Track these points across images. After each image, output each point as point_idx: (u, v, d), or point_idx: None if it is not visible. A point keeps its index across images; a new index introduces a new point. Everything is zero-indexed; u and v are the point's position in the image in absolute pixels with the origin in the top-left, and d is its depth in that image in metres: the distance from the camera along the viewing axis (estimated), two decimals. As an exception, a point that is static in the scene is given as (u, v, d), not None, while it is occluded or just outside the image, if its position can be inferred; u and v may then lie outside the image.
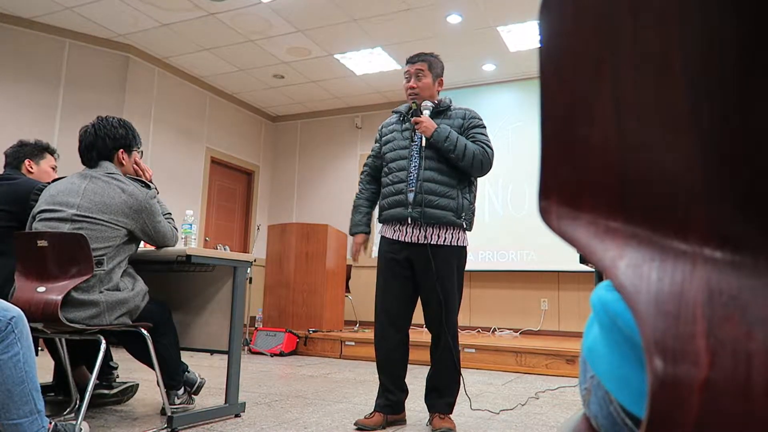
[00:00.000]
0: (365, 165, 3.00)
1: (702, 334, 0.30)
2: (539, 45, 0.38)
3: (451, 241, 2.69)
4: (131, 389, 3.10)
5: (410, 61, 2.83)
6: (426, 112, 2.75)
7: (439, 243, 2.66)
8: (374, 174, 2.94)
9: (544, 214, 0.38)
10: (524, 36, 6.13)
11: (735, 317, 0.30)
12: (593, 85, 0.36)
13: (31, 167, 2.92)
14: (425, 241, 2.66)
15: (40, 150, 2.99)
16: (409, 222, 2.69)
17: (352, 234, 2.90)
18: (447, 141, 2.65)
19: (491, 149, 2.74)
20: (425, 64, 2.80)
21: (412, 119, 2.72)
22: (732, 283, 0.31)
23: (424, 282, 2.70)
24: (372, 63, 6.95)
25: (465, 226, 2.73)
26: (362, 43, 6.47)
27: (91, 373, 2.29)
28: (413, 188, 2.69)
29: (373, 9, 5.70)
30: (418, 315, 2.80)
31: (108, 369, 3.03)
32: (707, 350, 0.30)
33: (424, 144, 2.68)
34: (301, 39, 6.39)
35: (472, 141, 2.72)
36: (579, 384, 0.51)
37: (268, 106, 8.64)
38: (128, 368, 3.49)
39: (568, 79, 0.37)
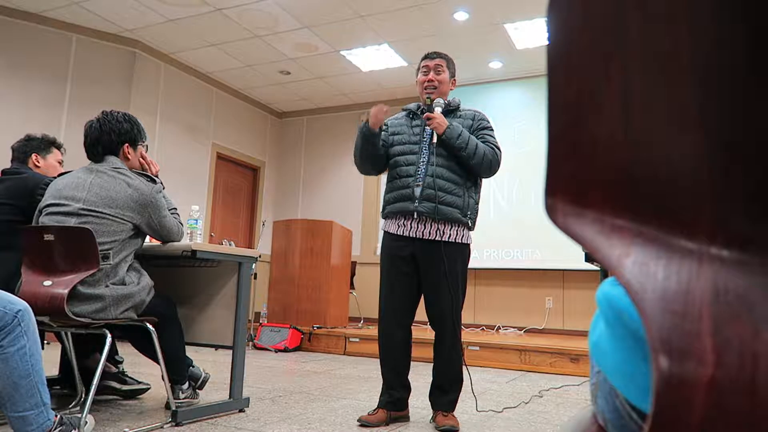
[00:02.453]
0: None
1: (708, 333, 0.30)
2: (547, 42, 0.38)
3: (456, 238, 2.69)
4: (141, 391, 3.10)
5: (429, 56, 2.86)
6: (438, 109, 2.75)
7: (444, 239, 2.66)
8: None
9: (550, 211, 0.38)
10: (531, 33, 6.11)
11: (741, 316, 0.30)
12: (601, 83, 0.36)
13: (38, 162, 2.94)
14: (432, 237, 2.66)
15: (47, 144, 3.00)
16: (415, 216, 2.69)
17: (365, 124, 2.72)
18: (459, 139, 2.66)
19: (499, 150, 2.76)
20: (444, 61, 2.84)
21: (425, 115, 2.72)
22: (739, 281, 0.31)
23: (427, 279, 2.70)
24: (378, 59, 6.94)
25: (469, 225, 2.73)
26: (369, 40, 6.46)
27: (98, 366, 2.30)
28: (420, 183, 2.70)
29: (379, 5, 5.69)
30: (422, 312, 2.80)
31: (113, 363, 3.05)
32: (713, 349, 0.30)
33: (435, 141, 2.68)
34: (308, 35, 6.38)
35: (481, 141, 2.73)
36: (589, 379, 0.51)
37: (274, 102, 8.64)
38: (134, 362, 3.51)
39: (575, 77, 0.37)
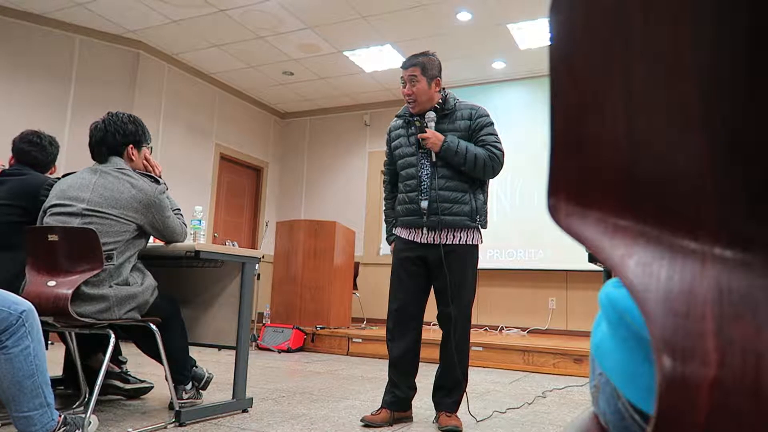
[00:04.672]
0: (384, 173, 3.02)
1: (711, 333, 0.30)
2: (549, 42, 0.38)
3: (465, 240, 2.70)
4: (145, 390, 3.11)
5: (403, 65, 2.78)
6: (431, 125, 2.72)
7: (453, 242, 2.68)
8: (393, 180, 2.95)
9: (553, 211, 0.38)
10: (534, 33, 6.10)
11: (745, 316, 0.30)
12: (604, 83, 0.36)
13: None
14: (442, 241, 2.67)
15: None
16: (425, 231, 2.70)
17: (389, 243, 2.95)
18: (456, 156, 2.64)
19: (501, 151, 2.72)
20: (417, 69, 2.72)
21: (419, 136, 2.70)
22: (742, 282, 0.31)
23: (437, 281, 2.71)
24: (381, 60, 6.94)
25: (480, 227, 2.74)
26: (372, 40, 6.46)
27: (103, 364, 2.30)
28: (426, 196, 2.70)
29: (382, 6, 5.69)
30: (426, 313, 2.80)
31: (117, 363, 3.05)
32: (716, 349, 0.30)
33: (434, 158, 2.68)
34: (311, 36, 6.39)
35: (481, 145, 2.70)
36: (589, 382, 0.51)
37: (277, 102, 8.65)
38: (137, 363, 3.51)
39: (578, 77, 0.37)
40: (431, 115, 2.74)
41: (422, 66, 2.73)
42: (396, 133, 2.89)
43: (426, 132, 2.68)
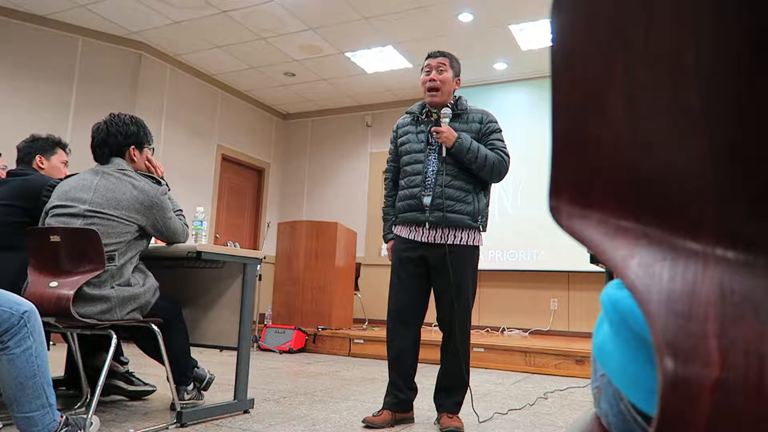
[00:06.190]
0: (386, 171, 3.01)
1: (714, 334, 0.30)
2: (551, 43, 0.38)
3: (467, 241, 2.70)
4: (147, 393, 3.11)
5: (432, 55, 2.83)
6: (446, 120, 2.73)
7: (454, 242, 2.67)
8: (396, 178, 2.94)
9: (555, 212, 0.38)
10: (536, 34, 6.10)
11: (747, 317, 0.30)
12: (605, 84, 0.35)
13: (42, 163, 2.93)
14: (443, 241, 2.66)
15: (51, 145, 2.99)
16: (427, 226, 2.70)
17: (386, 242, 2.94)
18: (468, 152, 2.65)
19: (508, 156, 2.75)
20: (447, 59, 2.80)
21: (432, 129, 2.71)
22: (744, 283, 0.31)
23: (438, 280, 2.71)
24: (383, 61, 6.95)
25: (481, 229, 2.74)
26: (373, 42, 6.46)
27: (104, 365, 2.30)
28: (430, 192, 2.69)
29: (384, 7, 5.69)
30: (427, 314, 2.80)
31: (119, 363, 3.06)
32: (719, 350, 0.30)
33: (444, 153, 2.68)
34: (313, 37, 6.39)
35: (490, 148, 2.72)
36: (591, 383, 0.51)
37: (279, 103, 8.66)
38: (139, 363, 3.52)
39: (580, 78, 0.37)
40: (447, 111, 2.76)
41: (451, 59, 2.83)
42: (404, 129, 2.90)
43: (441, 126, 2.69)
